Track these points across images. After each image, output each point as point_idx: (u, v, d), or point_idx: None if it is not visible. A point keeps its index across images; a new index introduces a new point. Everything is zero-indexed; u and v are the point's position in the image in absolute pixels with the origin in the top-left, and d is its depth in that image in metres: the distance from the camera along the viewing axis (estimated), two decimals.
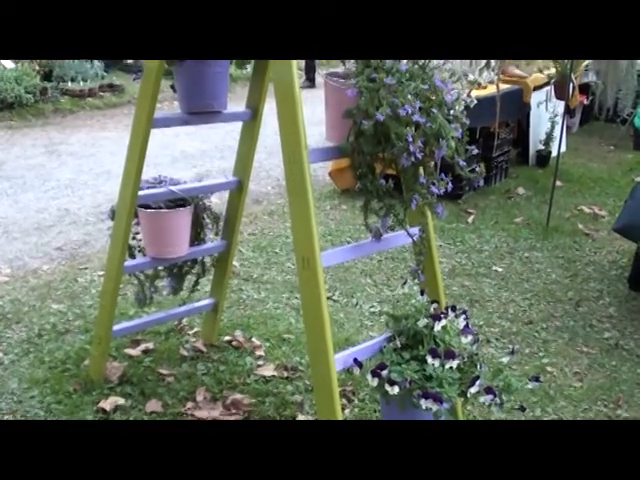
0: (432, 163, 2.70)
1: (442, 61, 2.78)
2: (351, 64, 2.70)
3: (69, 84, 10.30)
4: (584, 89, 9.58)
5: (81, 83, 10.43)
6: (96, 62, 11.26)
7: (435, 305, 2.87)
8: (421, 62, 2.66)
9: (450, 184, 2.70)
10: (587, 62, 8.87)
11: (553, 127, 8.23)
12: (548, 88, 8.21)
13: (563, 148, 8.07)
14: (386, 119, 2.46)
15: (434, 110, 2.57)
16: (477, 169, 2.77)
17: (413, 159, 2.50)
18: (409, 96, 2.50)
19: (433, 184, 2.65)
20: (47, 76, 10.27)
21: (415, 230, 2.80)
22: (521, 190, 7.36)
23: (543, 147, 8.36)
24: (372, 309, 4.59)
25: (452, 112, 2.68)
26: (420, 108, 2.53)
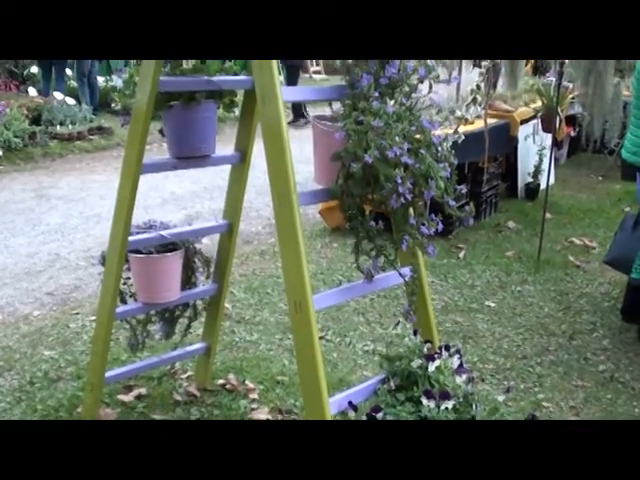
0: (422, 203, 2.70)
1: (429, 102, 2.79)
2: (338, 107, 2.71)
3: (58, 128, 10.33)
4: (571, 121, 9.66)
5: (70, 126, 10.46)
6: (84, 105, 11.30)
7: (428, 345, 2.86)
8: (408, 103, 2.67)
9: (440, 224, 2.70)
10: (573, 94, 8.95)
11: (541, 160, 8.28)
12: (535, 121, 8.27)
13: (552, 180, 8.11)
14: (374, 161, 2.46)
15: (422, 151, 2.58)
16: (467, 208, 2.77)
17: (403, 200, 2.50)
18: (397, 138, 2.51)
19: (423, 224, 2.65)
20: (36, 120, 10.30)
21: (406, 270, 2.79)
22: (511, 224, 7.38)
23: (532, 180, 8.40)
24: (365, 348, 4.57)
25: (440, 152, 2.69)
26: (408, 149, 2.54)
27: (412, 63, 2.79)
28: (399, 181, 2.47)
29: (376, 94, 2.61)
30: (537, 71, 11.77)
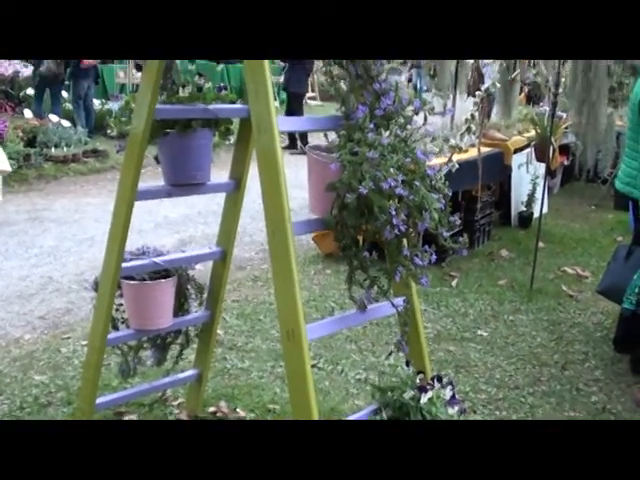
0: (415, 235, 2.70)
1: (424, 134, 2.80)
2: (334, 137, 2.72)
3: (53, 150, 10.35)
4: (564, 150, 9.71)
5: (64, 149, 10.48)
6: (79, 128, 11.32)
7: (421, 376, 2.86)
8: (403, 135, 2.68)
9: (434, 255, 2.71)
10: (567, 124, 9.00)
11: (534, 188, 8.32)
12: (528, 150, 8.32)
13: (545, 209, 8.13)
14: (369, 192, 2.47)
15: (417, 182, 2.59)
16: (460, 239, 2.78)
17: (397, 232, 2.51)
18: (392, 169, 2.52)
19: (417, 255, 2.65)
20: (31, 142, 10.31)
21: (399, 301, 2.79)
22: (504, 252, 7.39)
23: (525, 208, 8.44)
24: (357, 376, 4.56)
25: (434, 183, 2.70)
26: (403, 181, 2.54)
27: (407, 95, 2.81)
28: (393, 212, 2.48)
29: (371, 125, 2.62)
30: (531, 100, 11.85)
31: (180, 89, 3.28)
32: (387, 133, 2.65)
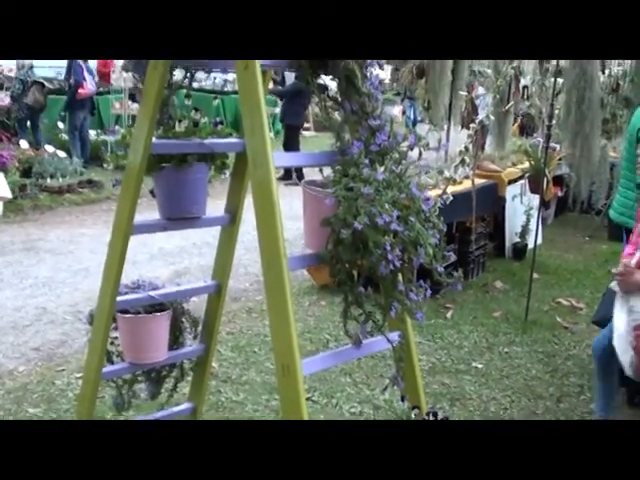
0: (410, 270, 2.71)
1: (419, 169, 2.82)
2: (329, 172, 2.73)
3: (48, 180, 10.37)
4: (558, 181, 9.76)
5: (60, 179, 10.51)
6: (75, 159, 11.36)
7: (416, 411, 2.85)
8: (398, 170, 2.70)
9: (429, 290, 2.71)
10: (560, 155, 9.06)
11: (528, 220, 8.35)
12: (522, 182, 8.36)
13: (539, 240, 8.17)
14: (364, 228, 2.48)
15: (412, 218, 2.60)
16: (455, 274, 2.78)
17: (392, 267, 2.51)
18: (386, 205, 2.53)
19: (412, 291, 2.66)
20: (26, 172, 10.33)
21: (394, 336, 2.80)
22: (499, 284, 7.41)
23: (519, 240, 8.46)
24: (352, 410, 4.55)
25: (429, 218, 2.72)
26: (398, 216, 2.55)
27: (402, 131, 2.83)
28: (388, 248, 2.49)
29: (366, 161, 2.64)
30: (524, 132, 11.94)
31: (176, 124, 3.30)
32: (382, 169, 2.67)
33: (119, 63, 13.02)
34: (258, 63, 2.59)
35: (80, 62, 12.21)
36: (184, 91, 3.71)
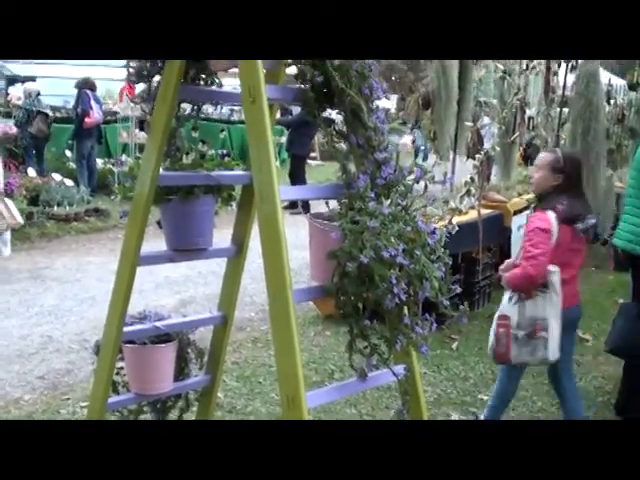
0: (416, 303, 2.72)
1: (425, 202, 2.84)
2: (335, 205, 2.75)
3: (55, 208, 10.41)
4: None
5: (67, 207, 10.55)
6: (82, 187, 11.42)
7: None
8: (404, 204, 2.71)
9: (434, 323, 2.72)
10: None
11: None
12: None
13: None
14: (370, 261, 2.49)
15: (417, 252, 2.61)
16: (461, 307, 2.79)
17: (397, 300, 2.52)
18: (392, 238, 2.54)
19: (417, 324, 2.67)
20: (33, 200, 10.38)
21: (400, 369, 2.79)
22: None
23: None
24: None
25: (435, 250, 2.73)
26: (403, 250, 2.57)
27: (409, 162, 2.85)
28: (394, 281, 2.50)
29: (372, 194, 2.65)
30: (528, 161, 11.95)
31: (183, 156, 3.32)
32: (388, 202, 2.68)
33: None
34: (265, 97, 2.62)
35: (87, 91, 12.31)
36: (191, 123, 3.74)
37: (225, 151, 16.17)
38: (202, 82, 3.27)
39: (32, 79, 13.92)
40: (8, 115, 14.12)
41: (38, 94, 12.63)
